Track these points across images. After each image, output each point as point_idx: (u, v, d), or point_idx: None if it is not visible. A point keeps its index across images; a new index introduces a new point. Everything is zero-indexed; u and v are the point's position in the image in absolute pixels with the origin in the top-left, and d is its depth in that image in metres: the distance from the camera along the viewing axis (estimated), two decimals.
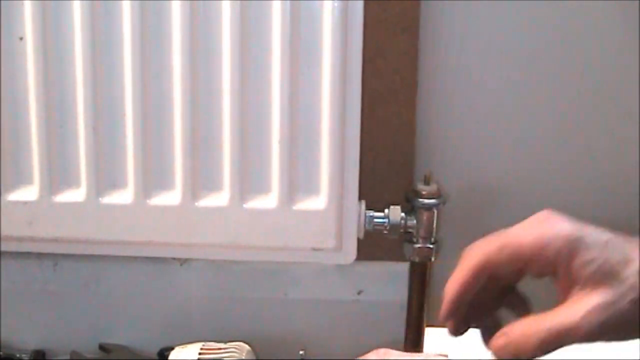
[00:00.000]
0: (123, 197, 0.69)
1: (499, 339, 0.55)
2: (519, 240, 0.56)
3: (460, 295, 0.58)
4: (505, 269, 0.56)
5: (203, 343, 0.72)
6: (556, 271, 0.55)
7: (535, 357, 0.54)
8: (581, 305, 0.53)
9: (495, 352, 0.55)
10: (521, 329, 0.54)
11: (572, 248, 0.54)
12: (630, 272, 0.53)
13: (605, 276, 0.53)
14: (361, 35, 0.67)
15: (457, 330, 0.60)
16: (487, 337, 0.58)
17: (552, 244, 0.55)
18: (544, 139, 0.78)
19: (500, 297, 0.59)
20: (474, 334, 0.86)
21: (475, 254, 0.57)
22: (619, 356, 0.83)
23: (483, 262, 0.56)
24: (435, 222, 0.72)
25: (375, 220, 0.71)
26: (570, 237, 0.54)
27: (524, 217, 0.73)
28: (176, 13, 0.65)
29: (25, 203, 0.69)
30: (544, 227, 0.56)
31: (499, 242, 0.56)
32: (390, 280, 0.80)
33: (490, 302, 0.59)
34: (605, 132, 0.78)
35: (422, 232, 0.72)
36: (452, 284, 0.58)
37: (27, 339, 0.82)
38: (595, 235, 0.55)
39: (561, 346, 0.53)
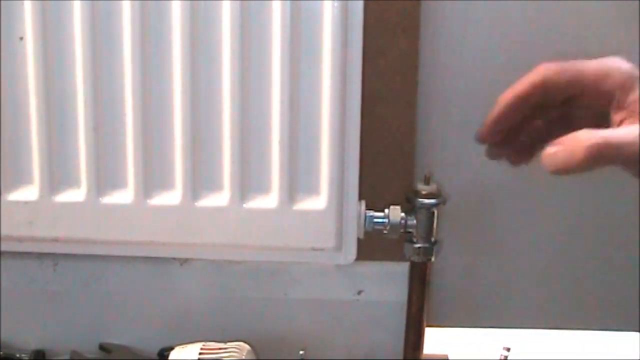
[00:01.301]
0: (123, 197, 0.69)
1: (551, 148, 0.54)
2: (582, 66, 0.57)
3: (512, 106, 0.58)
4: (563, 91, 0.57)
5: (203, 343, 0.72)
6: (611, 103, 0.57)
7: (584, 168, 0.53)
8: (635, 127, 0.54)
9: (545, 161, 0.55)
10: (574, 136, 0.54)
11: (632, 81, 0.56)
12: None
13: None
14: (361, 35, 0.67)
15: (492, 153, 0.61)
16: (523, 154, 0.59)
17: (613, 74, 0.56)
18: None
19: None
20: (474, 334, 0.86)
21: (538, 71, 0.57)
22: (619, 356, 0.83)
23: (542, 79, 0.57)
24: (435, 222, 0.72)
25: (375, 220, 0.71)
26: (631, 72, 0.56)
27: (524, 217, 0.74)
28: (176, 13, 0.65)
29: (25, 203, 0.69)
30: (608, 62, 0.57)
31: (564, 65, 0.57)
32: (390, 280, 0.80)
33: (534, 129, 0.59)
34: None
35: (422, 232, 0.72)
36: (507, 94, 0.58)
37: (27, 338, 0.82)
38: None
39: (611, 160, 0.53)
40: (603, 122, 0.57)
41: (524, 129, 0.60)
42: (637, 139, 0.54)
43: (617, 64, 0.57)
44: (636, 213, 0.78)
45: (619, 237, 0.80)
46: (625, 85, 0.56)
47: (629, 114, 0.57)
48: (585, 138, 0.54)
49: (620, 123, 0.57)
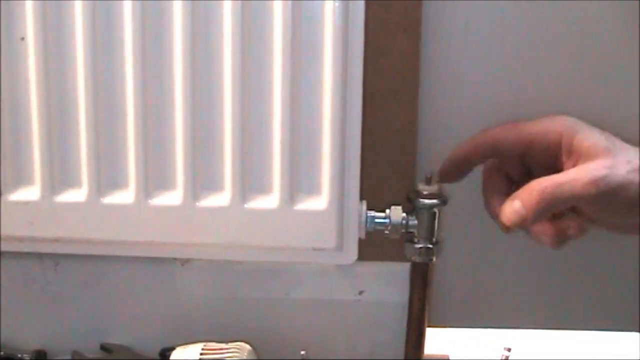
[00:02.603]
0: (124, 197, 0.69)
1: (505, 204, 0.60)
2: (525, 124, 0.62)
3: (459, 160, 0.64)
4: (510, 148, 0.62)
5: (204, 343, 0.72)
6: (558, 153, 0.61)
7: (540, 214, 0.58)
8: (580, 167, 0.58)
9: (502, 219, 0.60)
10: (525, 187, 0.59)
11: (573, 129, 0.60)
12: (629, 150, 0.58)
13: (604, 149, 0.59)
14: (362, 35, 0.67)
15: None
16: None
17: (555, 126, 0.61)
18: None
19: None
20: (475, 335, 0.86)
21: (483, 131, 0.63)
22: (619, 356, 0.83)
23: (488, 137, 0.63)
24: (436, 222, 0.72)
25: (377, 220, 0.71)
26: (572, 122, 0.61)
27: None
28: (177, 13, 0.65)
29: (26, 203, 0.69)
30: (549, 118, 0.62)
31: (507, 125, 0.62)
32: (391, 281, 0.80)
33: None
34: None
35: (423, 233, 0.72)
36: (455, 150, 0.65)
37: (28, 339, 0.82)
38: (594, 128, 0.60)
39: (565, 200, 0.57)
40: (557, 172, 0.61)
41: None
42: (581, 173, 0.58)
43: (559, 118, 0.62)
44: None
45: (619, 237, 0.80)
46: (569, 132, 0.60)
47: (578, 156, 0.60)
48: (535, 185, 0.58)
49: (572, 167, 0.60)
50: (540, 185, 0.59)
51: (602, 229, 0.63)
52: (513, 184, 0.65)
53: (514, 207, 0.60)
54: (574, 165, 0.60)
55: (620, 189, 0.58)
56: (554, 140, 0.61)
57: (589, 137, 0.60)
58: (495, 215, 0.63)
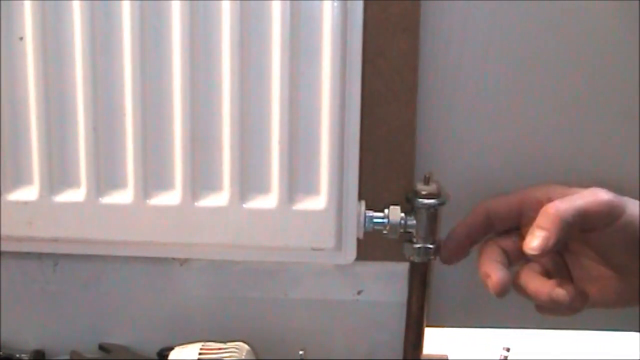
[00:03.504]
0: (123, 197, 0.69)
1: (529, 238, 0.59)
2: (515, 193, 0.64)
3: (466, 236, 0.66)
4: (505, 214, 0.64)
5: (203, 343, 0.72)
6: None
7: (561, 234, 0.57)
8: (586, 190, 0.59)
9: (527, 249, 0.59)
10: (540, 215, 0.58)
11: (560, 192, 0.61)
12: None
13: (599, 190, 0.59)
14: (361, 35, 0.67)
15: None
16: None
17: (542, 190, 0.63)
18: (544, 139, 0.78)
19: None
20: (473, 334, 0.86)
21: (480, 205, 0.65)
22: (619, 356, 0.83)
23: (484, 207, 0.65)
24: (435, 222, 0.72)
25: (375, 220, 0.71)
26: (559, 187, 0.62)
27: None
28: (176, 13, 0.65)
29: (25, 203, 0.69)
30: (537, 185, 0.64)
31: (502, 197, 0.65)
32: (390, 281, 0.80)
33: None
34: (605, 133, 0.78)
35: (422, 232, 0.72)
36: (459, 227, 0.66)
37: (27, 338, 0.82)
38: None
39: (578, 216, 0.57)
40: None
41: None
42: (599, 192, 0.58)
43: (548, 184, 0.63)
44: None
45: None
46: (556, 193, 0.61)
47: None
48: (548, 208, 0.59)
49: None
50: (554, 205, 0.58)
51: (610, 283, 0.62)
52: (508, 257, 0.65)
53: (535, 234, 0.58)
54: None
55: (624, 203, 0.58)
56: (542, 202, 0.61)
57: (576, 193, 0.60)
58: (486, 280, 0.63)
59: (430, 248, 0.72)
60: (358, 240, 0.71)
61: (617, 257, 0.60)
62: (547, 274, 0.63)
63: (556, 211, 0.57)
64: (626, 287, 0.61)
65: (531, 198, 0.63)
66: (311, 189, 0.69)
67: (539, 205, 0.60)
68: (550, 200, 0.60)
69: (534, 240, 0.58)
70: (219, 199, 0.69)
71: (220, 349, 0.71)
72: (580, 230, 0.58)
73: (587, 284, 0.62)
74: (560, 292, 0.59)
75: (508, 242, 0.64)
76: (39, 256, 0.80)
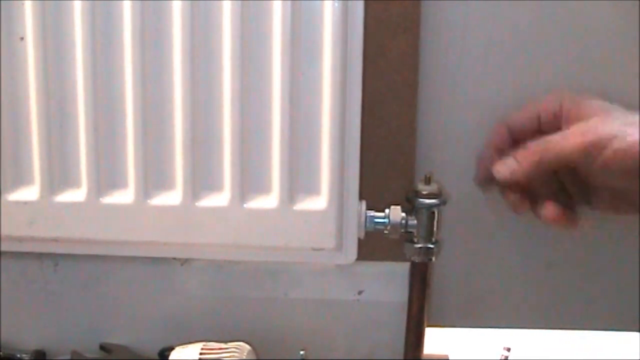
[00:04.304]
0: (124, 197, 0.69)
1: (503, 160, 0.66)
2: (532, 102, 0.68)
3: (493, 155, 0.68)
4: (524, 122, 0.67)
5: (204, 343, 0.72)
6: (560, 123, 0.65)
7: (533, 169, 0.63)
8: (574, 126, 0.63)
9: (496, 171, 0.66)
10: (524, 149, 0.64)
11: (573, 99, 0.65)
12: (627, 113, 0.62)
13: (598, 110, 0.63)
14: (362, 35, 0.67)
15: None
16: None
17: (557, 98, 0.66)
18: None
19: None
20: (474, 334, 0.86)
21: (498, 123, 0.69)
22: (619, 356, 0.83)
23: (504, 124, 0.68)
24: (435, 222, 0.72)
25: (376, 220, 0.71)
26: (572, 94, 0.66)
27: (524, 217, 0.73)
28: (176, 13, 0.65)
29: (25, 203, 0.69)
30: (552, 93, 0.67)
31: (521, 109, 0.68)
32: (390, 281, 0.80)
33: None
34: None
35: (422, 232, 0.72)
36: (485, 149, 0.69)
37: (27, 339, 0.82)
38: None
39: (554, 157, 0.62)
40: None
41: None
42: (580, 130, 0.62)
43: (561, 90, 0.67)
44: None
45: (619, 237, 0.80)
46: (569, 101, 0.65)
47: (575, 120, 0.64)
48: (531, 144, 0.64)
49: None
50: (537, 145, 0.63)
51: (603, 207, 0.66)
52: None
53: (507, 162, 0.65)
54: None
55: (609, 140, 0.60)
56: (556, 110, 0.66)
57: (586, 103, 0.64)
58: (481, 169, 0.69)
59: (431, 248, 0.72)
60: (359, 240, 0.71)
61: (616, 182, 0.62)
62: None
63: (535, 152, 0.63)
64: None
65: (547, 109, 0.66)
66: (312, 189, 0.69)
67: (554, 114, 0.65)
68: (562, 110, 0.65)
69: (503, 167, 0.65)
70: (219, 199, 0.69)
71: (221, 349, 0.71)
72: (566, 168, 0.64)
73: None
74: (499, 167, 0.65)
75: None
76: (40, 256, 0.80)
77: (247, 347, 0.72)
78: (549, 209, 0.66)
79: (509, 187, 0.66)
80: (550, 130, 0.65)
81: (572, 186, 0.67)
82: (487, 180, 0.69)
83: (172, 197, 0.69)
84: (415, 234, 0.72)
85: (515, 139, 0.68)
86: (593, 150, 0.60)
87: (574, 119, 0.64)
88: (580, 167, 0.62)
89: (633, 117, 0.61)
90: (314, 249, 0.70)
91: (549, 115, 0.66)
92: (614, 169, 0.60)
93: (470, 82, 0.76)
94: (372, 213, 0.71)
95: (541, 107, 0.67)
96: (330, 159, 0.68)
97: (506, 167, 0.65)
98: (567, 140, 0.62)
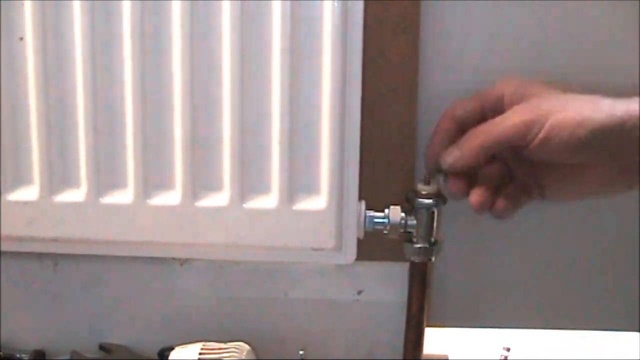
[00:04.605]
0: (123, 197, 0.69)
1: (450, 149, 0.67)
2: (477, 93, 0.68)
3: (440, 145, 0.68)
4: (469, 110, 0.67)
5: (203, 343, 0.72)
6: (506, 101, 0.66)
7: (474, 155, 0.65)
8: (513, 108, 0.64)
9: (443, 160, 0.66)
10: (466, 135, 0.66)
11: (519, 82, 0.67)
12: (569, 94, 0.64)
13: (545, 90, 0.65)
14: (361, 35, 0.67)
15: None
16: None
17: (503, 83, 0.67)
18: None
19: None
20: (474, 334, 0.86)
21: (445, 111, 0.69)
22: (619, 356, 0.83)
23: (450, 108, 0.69)
24: (435, 222, 0.72)
25: (376, 220, 0.71)
26: (516, 80, 0.67)
27: (524, 217, 0.74)
28: (176, 13, 0.65)
29: (25, 203, 0.69)
30: (500, 82, 0.68)
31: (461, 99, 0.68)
32: (390, 281, 0.80)
33: None
34: None
35: (422, 232, 0.72)
36: (433, 136, 0.68)
37: (27, 338, 0.82)
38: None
39: (494, 139, 0.64)
40: None
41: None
42: (519, 110, 0.64)
43: (506, 79, 0.67)
44: (636, 212, 0.78)
45: (619, 237, 0.80)
46: (512, 87, 0.66)
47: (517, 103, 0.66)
48: (475, 132, 0.65)
49: None
50: (477, 131, 0.65)
51: (557, 192, 0.67)
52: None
53: (453, 151, 0.66)
54: None
55: (546, 115, 0.62)
56: (499, 95, 0.67)
57: (528, 86, 0.66)
58: (429, 158, 0.69)
59: (430, 248, 0.72)
60: (358, 240, 0.71)
61: (557, 157, 0.63)
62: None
63: (476, 136, 0.65)
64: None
65: (490, 96, 0.67)
66: (311, 189, 0.69)
67: (498, 103, 0.66)
68: (505, 96, 0.66)
69: (449, 156, 0.66)
70: (219, 199, 0.69)
71: (220, 349, 0.71)
72: (510, 149, 0.65)
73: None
74: (444, 156, 0.67)
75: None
76: (39, 256, 0.80)
77: (247, 347, 0.72)
78: (473, 195, 0.67)
79: (455, 175, 0.67)
80: (494, 117, 0.66)
81: (522, 174, 0.68)
82: (435, 169, 0.69)
83: (171, 197, 0.69)
84: (414, 234, 0.72)
85: (462, 128, 0.68)
86: (532, 126, 0.62)
87: (515, 102, 0.65)
88: (522, 146, 0.63)
89: (574, 96, 0.63)
90: (314, 249, 0.70)
91: (492, 102, 0.67)
92: (552, 144, 0.62)
93: (470, 82, 0.76)
94: (371, 213, 0.71)
95: (485, 94, 0.68)
96: (330, 159, 0.68)
97: (450, 155, 0.66)
98: (506, 121, 0.63)
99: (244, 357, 0.71)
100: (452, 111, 0.69)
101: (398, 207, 0.72)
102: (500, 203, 0.67)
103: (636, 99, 0.60)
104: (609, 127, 0.60)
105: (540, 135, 0.62)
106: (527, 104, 0.64)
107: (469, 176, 0.67)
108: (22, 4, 0.66)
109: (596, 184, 0.65)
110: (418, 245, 0.72)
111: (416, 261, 0.74)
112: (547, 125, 0.61)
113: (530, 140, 0.62)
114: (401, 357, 0.79)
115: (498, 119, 0.65)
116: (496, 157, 0.69)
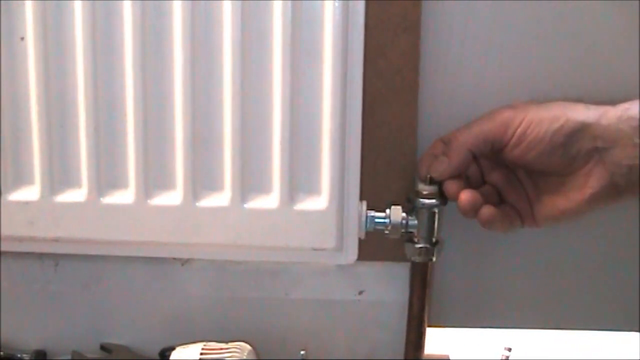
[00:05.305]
0: (124, 197, 0.69)
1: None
2: (483, 120, 0.69)
3: (458, 174, 0.70)
4: (483, 145, 0.69)
5: (204, 343, 0.72)
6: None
7: (459, 160, 0.69)
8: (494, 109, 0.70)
9: (431, 170, 0.70)
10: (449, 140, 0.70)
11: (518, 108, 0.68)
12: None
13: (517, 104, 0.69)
14: (362, 35, 0.67)
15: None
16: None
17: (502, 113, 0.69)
18: None
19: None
20: (475, 335, 0.86)
21: (456, 143, 0.70)
22: (619, 356, 0.83)
23: (464, 146, 0.69)
24: (436, 222, 0.72)
25: (377, 220, 0.71)
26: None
27: None
28: (177, 13, 0.66)
29: (26, 203, 0.69)
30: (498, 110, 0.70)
31: (466, 127, 0.70)
32: (391, 281, 0.80)
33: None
34: None
35: (423, 233, 0.72)
36: (447, 169, 0.70)
37: (28, 339, 0.82)
38: None
39: (475, 141, 0.68)
40: None
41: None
42: (495, 116, 0.67)
43: (504, 108, 0.69)
44: (637, 212, 0.78)
45: (619, 237, 0.80)
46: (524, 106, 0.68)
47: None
48: (455, 137, 0.69)
49: None
50: (456, 135, 0.69)
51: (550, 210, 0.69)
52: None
53: (439, 160, 0.69)
54: None
55: (524, 112, 0.66)
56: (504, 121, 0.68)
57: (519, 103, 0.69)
58: (421, 170, 0.71)
59: (431, 248, 0.72)
60: (359, 240, 0.71)
61: (533, 155, 0.66)
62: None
63: (457, 140, 0.68)
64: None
65: (497, 123, 0.69)
66: (312, 189, 0.69)
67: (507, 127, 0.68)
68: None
69: (438, 166, 0.69)
70: (220, 199, 0.69)
71: (221, 349, 0.71)
72: (490, 151, 0.68)
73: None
74: (433, 167, 0.70)
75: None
76: (40, 256, 0.80)
77: (248, 347, 0.72)
78: (462, 194, 0.69)
79: (448, 184, 0.70)
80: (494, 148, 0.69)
81: (512, 199, 0.71)
82: (428, 180, 0.71)
83: (172, 197, 0.69)
84: (415, 234, 0.72)
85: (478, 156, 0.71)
86: (510, 123, 0.66)
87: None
88: (502, 145, 0.67)
89: (552, 102, 0.67)
90: (315, 249, 0.70)
91: (495, 133, 0.68)
92: (529, 139, 0.65)
93: (470, 82, 0.76)
94: (372, 213, 0.71)
95: (496, 124, 0.69)
96: (331, 159, 0.68)
97: (440, 164, 0.69)
98: (486, 120, 0.68)
99: (245, 357, 0.71)
100: (464, 145, 0.70)
101: (399, 207, 0.72)
102: (487, 209, 0.69)
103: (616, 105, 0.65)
104: (585, 122, 0.64)
105: (519, 131, 0.66)
106: (506, 105, 0.69)
107: (462, 180, 0.70)
108: (23, 3, 0.66)
109: (584, 197, 0.67)
110: (419, 246, 0.72)
111: (417, 261, 0.74)
112: (524, 122, 0.66)
113: (510, 137, 0.66)
114: (402, 357, 0.79)
115: (479, 120, 0.69)
116: (486, 182, 0.72)
